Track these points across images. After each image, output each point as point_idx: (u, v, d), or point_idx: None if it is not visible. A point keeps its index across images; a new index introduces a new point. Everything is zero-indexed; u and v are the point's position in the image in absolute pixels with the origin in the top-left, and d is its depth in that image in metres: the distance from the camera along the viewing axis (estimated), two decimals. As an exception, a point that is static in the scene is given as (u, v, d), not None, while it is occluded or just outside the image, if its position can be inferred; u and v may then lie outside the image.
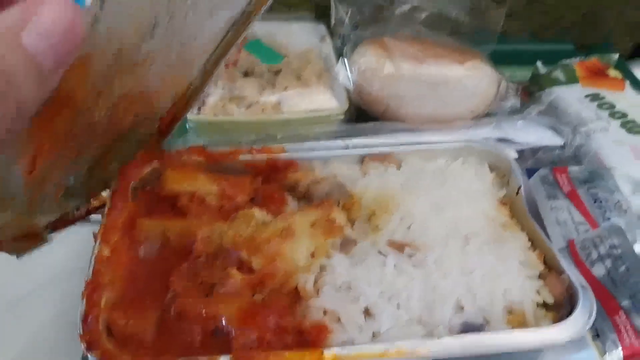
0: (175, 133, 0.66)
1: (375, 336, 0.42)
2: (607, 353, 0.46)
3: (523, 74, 0.86)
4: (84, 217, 0.47)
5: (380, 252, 0.46)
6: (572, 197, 0.60)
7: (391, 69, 0.62)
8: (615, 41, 0.93)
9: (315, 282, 0.44)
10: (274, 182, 0.53)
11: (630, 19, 0.89)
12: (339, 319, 0.42)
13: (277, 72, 0.71)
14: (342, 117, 0.65)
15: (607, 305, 0.48)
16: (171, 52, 0.42)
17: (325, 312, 0.43)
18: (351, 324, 0.42)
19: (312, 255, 0.46)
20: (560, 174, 0.62)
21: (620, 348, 0.45)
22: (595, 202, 0.59)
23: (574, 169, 0.63)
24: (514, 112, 0.70)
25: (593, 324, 0.47)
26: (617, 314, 0.47)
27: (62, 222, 0.44)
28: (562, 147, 0.65)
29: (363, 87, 0.63)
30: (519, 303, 0.44)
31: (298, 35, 0.77)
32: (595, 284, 0.50)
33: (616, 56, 0.80)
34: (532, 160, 0.65)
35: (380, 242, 0.47)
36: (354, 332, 0.41)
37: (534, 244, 0.49)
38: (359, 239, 0.47)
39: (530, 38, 0.89)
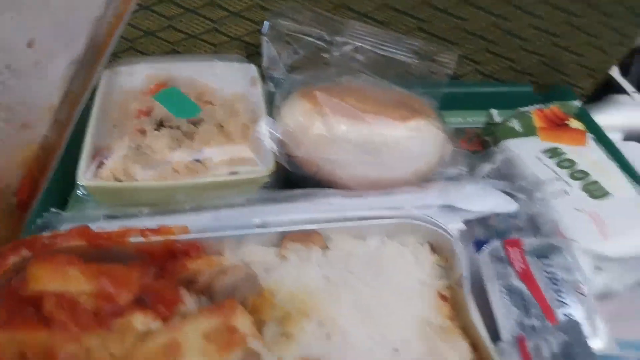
0: (73, 204, 0.57)
1: None
2: None
3: (477, 119, 0.79)
4: None
5: (288, 373, 0.37)
6: (526, 278, 0.52)
7: (322, 129, 0.54)
8: (575, 83, 0.86)
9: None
10: (169, 274, 0.44)
11: (589, 62, 0.83)
12: None
13: (197, 123, 0.61)
14: (267, 180, 0.56)
15: None
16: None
17: None
18: None
19: (203, 379, 0.37)
20: (512, 248, 0.54)
21: None
22: (551, 283, 0.51)
23: (528, 241, 0.55)
24: (464, 168, 0.62)
25: None
26: None
27: None
28: (523, 216, 0.58)
29: (289, 149, 0.55)
30: None
31: (225, 79, 0.68)
32: (549, 396, 0.42)
33: (578, 104, 0.73)
34: (482, 230, 0.57)
35: (290, 358, 0.38)
36: None
37: (477, 348, 0.41)
38: (264, 353, 0.38)
39: (484, 80, 0.82)
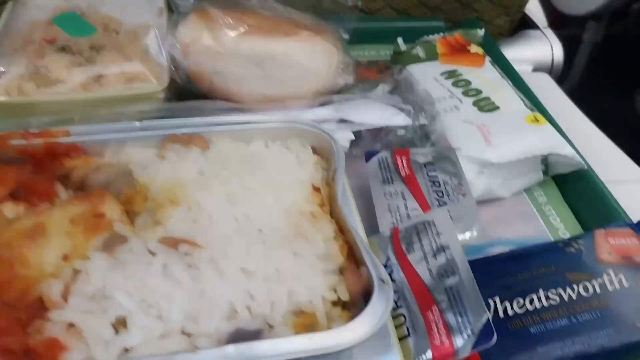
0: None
1: (127, 352, 0.35)
2: (416, 354, 0.40)
3: (390, 52, 0.81)
4: None
5: (150, 251, 0.39)
6: (409, 181, 0.54)
7: (210, 41, 0.55)
8: (490, 21, 0.89)
9: (67, 290, 0.37)
10: (46, 171, 0.45)
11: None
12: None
13: (99, 50, 0.62)
14: (162, 95, 0.57)
15: (423, 300, 0.43)
16: None
17: (71, 326, 0.35)
18: (95, 340, 0.34)
19: (66, 257, 0.38)
20: (400, 157, 0.57)
21: (429, 348, 0.40)
22: (433, 185, 0.54)
23: (418, 151, 0.58)
24: (365, 90, 0.64)
25: (407, 322, 0.42)
26: (430, 309, 0.42)
27: None
28: (414, 128, 0.60)
29: (178, 62, 0.56)
30: (309, 303, 0.38)
31: (132, 10, 0.68)
32: (413, 276, 0.44)
33: (482, 32, 0.75)
34: (380, 143, 0.59)
35: (154, 239, 0.39)
36: (98, 348, 0.34)
37: (344, 234, 0.43)
38: (130, 236, 0.40)
39: (397, 16, 0.84)
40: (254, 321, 0.36)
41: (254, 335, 0.35)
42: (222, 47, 0.55)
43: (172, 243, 0.39)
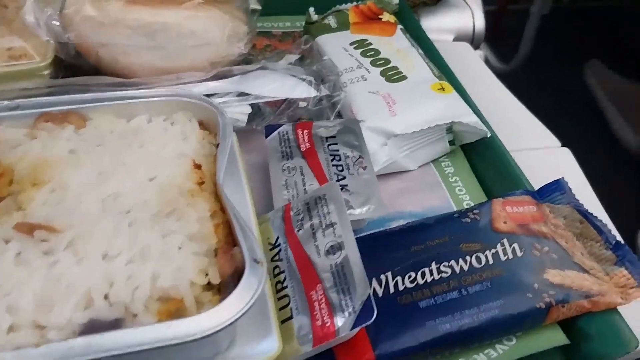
0: None
1: (-27, 349, 0.32)
2: (298, 335, 0.39)
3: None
4: None
5: (4, 240, 0.36)
6: (309, 155, 0.52)
7: (92, 11, 0.51)
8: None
9: None
10: None
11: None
12: None
13: (-16, 23, 0.58)
14: (46, 72, 0.53)
15: (308, 279, 0.41)
16: None
17: None
18: None
19: None
20: (302, 131, 0.55)
21: (310, 329, 0.39)
22: (333, 159, 0.52)
23: (322, 124, 0.56)
24: (270, 61, 0.62)
25: (292, 303, 0.40)
26: (314, 289, 0.40)
27: None
28: (318, 100, 0.58)
29: (59, 35, 0.52)
30: (176, 288, 0.36)
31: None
32: (301, 255, 0.43)
33: (396, 0, 0.73)
34: (285, 117, 0.57)
35: (10, 226, 0.36)
36: (-64, 347, 0.31)
37: (224, 213, 0.41)
38: (-11, 223, 0.37)
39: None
40: (112, 310, 0.34)
41: (111, 326, 0.33)
42: (106, 17, 0.51)
43: (28, 229, 0.36)
